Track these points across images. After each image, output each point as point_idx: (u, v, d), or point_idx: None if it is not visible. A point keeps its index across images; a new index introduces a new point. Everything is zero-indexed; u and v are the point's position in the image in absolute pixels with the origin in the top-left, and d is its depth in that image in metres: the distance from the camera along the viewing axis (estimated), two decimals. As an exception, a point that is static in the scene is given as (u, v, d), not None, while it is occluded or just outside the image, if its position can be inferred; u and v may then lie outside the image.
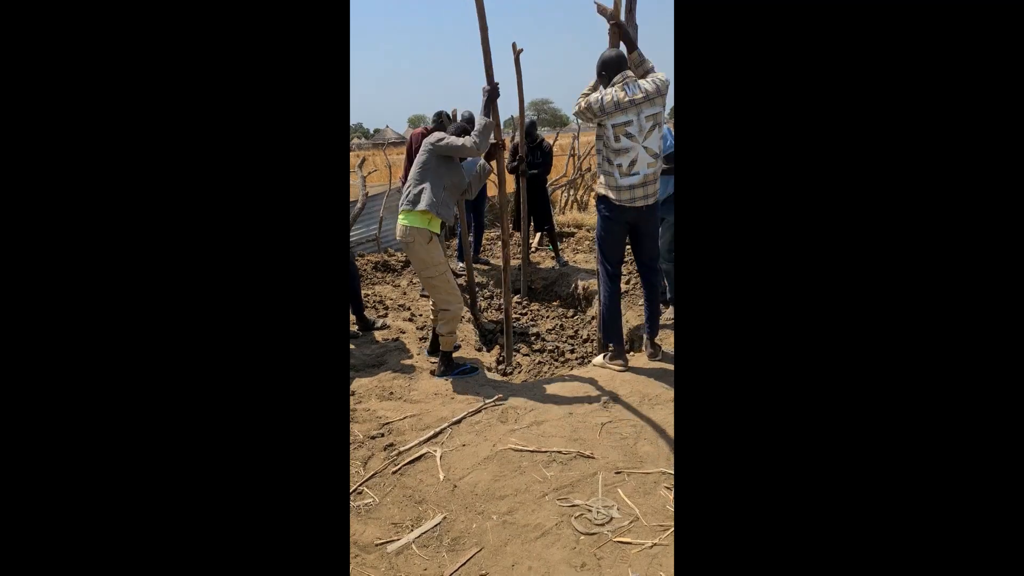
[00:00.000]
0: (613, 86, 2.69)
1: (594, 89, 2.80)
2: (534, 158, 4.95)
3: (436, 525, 1.86)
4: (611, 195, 2.76)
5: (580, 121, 2.91)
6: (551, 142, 6.29)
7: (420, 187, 2.87)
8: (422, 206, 2.82)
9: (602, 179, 2.81)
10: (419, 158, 2.94)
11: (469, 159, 3.12)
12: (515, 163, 4.84)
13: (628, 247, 3.13)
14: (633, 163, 2.68)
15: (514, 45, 4.02)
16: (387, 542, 1.80)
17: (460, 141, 2.80)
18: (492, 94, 2.90)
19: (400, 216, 2.92)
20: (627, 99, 2.63)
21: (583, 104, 2.75)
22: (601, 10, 2.76)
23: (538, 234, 5.85)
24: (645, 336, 3.12)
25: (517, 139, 4.93)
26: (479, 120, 2.85)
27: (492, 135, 2.90)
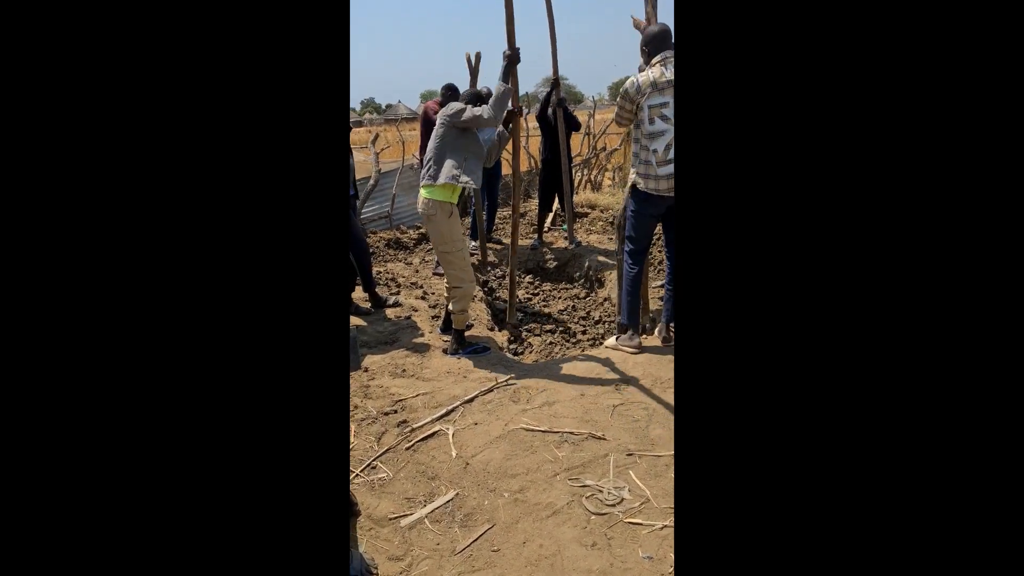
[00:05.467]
0: (652, 66, 2.57)
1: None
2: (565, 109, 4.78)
3: (448, 501, 1.89)
4: (646, 184, 2.63)
5: (623, 122, 2.80)
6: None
7: (440, 160, 2.87)
8: (443, 179, 2.83)
9: (635, 171, 2.69)
10: (436, 131, 2.93)
11: (487, 129, 3.09)
12: (550, 91, 4.77)
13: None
14: (669, 147, 2.55)
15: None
16: (400, 516, 1.83)
17: (477, 111, 2.78)
18: (512, 59, 2.87)
19: (422, 189, 2.93)
20: (664, 79, 2.50)
21: (619, 99, 2.68)
22: (636, 24, 2.80)
23: (551, 214, 5.79)
24: (663, 320, 3.04)
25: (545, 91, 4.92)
26: (497, 87, 2.80)
27: (509, 102, 2.86)
